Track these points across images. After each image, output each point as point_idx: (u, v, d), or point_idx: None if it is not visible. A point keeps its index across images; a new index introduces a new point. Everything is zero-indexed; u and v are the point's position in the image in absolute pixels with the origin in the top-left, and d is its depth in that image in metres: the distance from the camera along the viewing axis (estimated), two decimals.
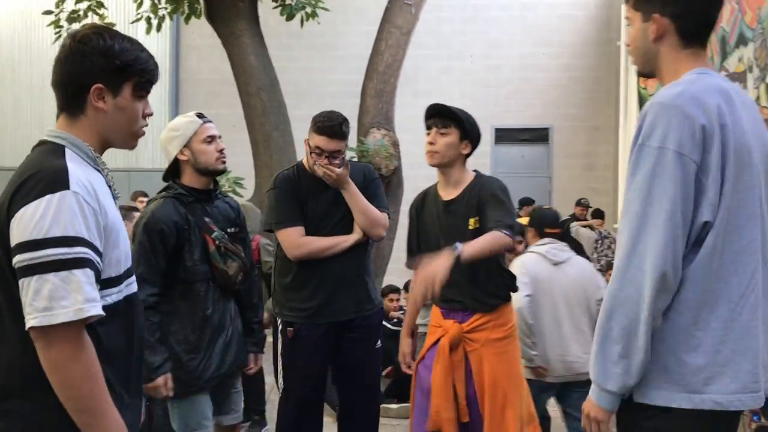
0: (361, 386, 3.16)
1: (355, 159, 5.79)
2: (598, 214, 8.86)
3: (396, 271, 7.25)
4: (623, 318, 1.60)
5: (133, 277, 1.67)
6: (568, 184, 10.20)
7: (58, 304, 1.39)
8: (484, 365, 2.86)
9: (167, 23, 6.95)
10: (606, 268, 6.24)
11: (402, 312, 5.93)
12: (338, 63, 10.32)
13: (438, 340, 2.93)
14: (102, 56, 1.55)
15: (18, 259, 1.41)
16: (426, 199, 3.05)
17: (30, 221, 1.41)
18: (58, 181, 1.45)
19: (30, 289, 1.39)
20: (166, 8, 6.58)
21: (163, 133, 2.80)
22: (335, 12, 8.41)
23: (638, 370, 1.60)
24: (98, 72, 1.55)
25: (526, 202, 8.74)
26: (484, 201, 2.81)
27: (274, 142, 6.44)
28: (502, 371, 2.86)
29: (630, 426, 1.69)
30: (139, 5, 6.54)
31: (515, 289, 3.03)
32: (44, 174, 1.46)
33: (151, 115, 1.68)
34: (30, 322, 1.39)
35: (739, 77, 5.97)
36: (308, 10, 6.49)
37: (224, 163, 2.83)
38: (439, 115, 2.90)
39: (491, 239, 2.69)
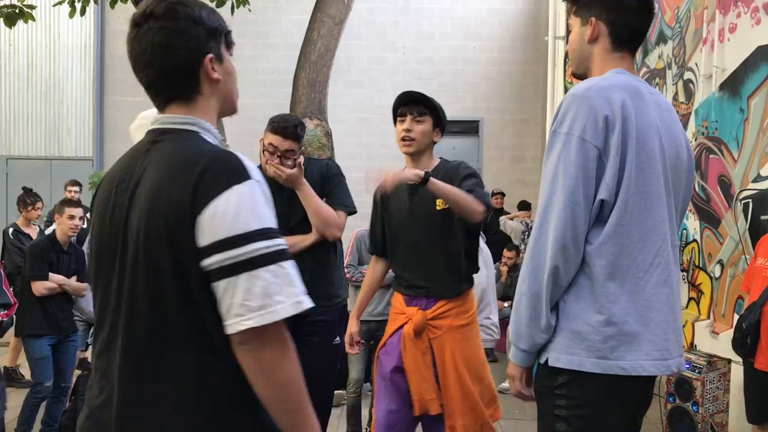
0: (314, 381, 3.12)
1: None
2: (524, 206, 9.06)
3: None
4: (532, 285, 1.79)
5: None
6: (497, 175, 10.40)
7: (274, 300, 1.27)
8: (446, 352, 2.88)
9: (91, 7, 6.72)
10: None
11: None
12: (270, 51, 10.20)
13: (400, 327, 2.94)
14: (198, 24, 1.41)
15: (217, 259, 1.26)
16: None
17: (225, 216, 1.26)
18: (239, 170, 1.31)
19: (239, 289, 1.26)
20: None
21: (133, 123, 2.81)
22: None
23: (545, 330, 1.79)
24: (204, 43, 1.41)
25: (524, 206, 8.99)
26: (458, 176, 2.84)
27: None
28: (466, 357, 2.90)
29: (545, 388, 1.83)
30: None
31: (476, 271, 3.04)
32: (221, 164, 1.31)
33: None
34: (244, 324, 1.27)
35: (658, 74, 6.23)
36: None
37: None
38: (415, 103, 2.93)
39: (463, 194, 2.71)
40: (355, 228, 4.62)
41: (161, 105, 1.45)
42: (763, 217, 4.43)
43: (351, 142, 9.78)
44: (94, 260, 1.44)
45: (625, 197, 1.75)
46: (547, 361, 1.81)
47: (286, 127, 3.01)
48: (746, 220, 4.63)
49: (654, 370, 1.78)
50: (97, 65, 10.44)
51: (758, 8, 4.54)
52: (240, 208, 1.28)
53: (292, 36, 8.77)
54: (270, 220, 1.33)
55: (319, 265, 3.09)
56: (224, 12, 6.49)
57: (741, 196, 4.70)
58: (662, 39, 6.11)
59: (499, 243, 7.87)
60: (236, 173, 1.31)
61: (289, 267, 1.32)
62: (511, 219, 8.69)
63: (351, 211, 3.16)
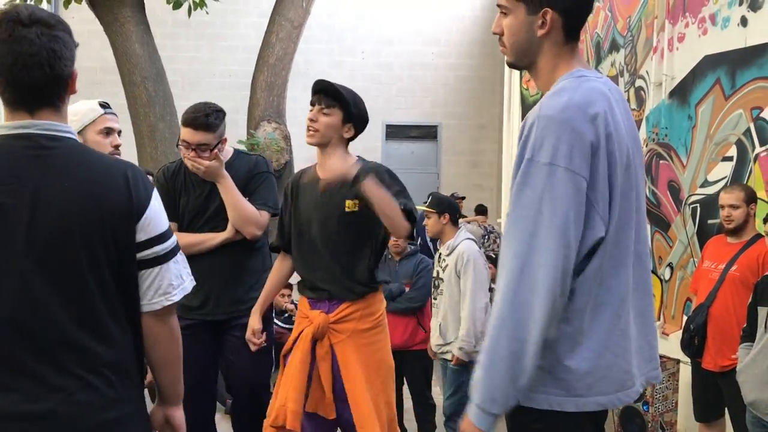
0: (244, 384, 3.07)
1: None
2: (482, 210, 9.15)
3: None
4: (513, 342, 1.53)
5: None
6: (454, 180, 10.49)
7: (183, 279, 1.68)
8: (349, 357, 2.72)
9: (44, 7, 6.59)
10: (491, 262, 6.48)
11: (294, 306, 5.93)
12: (228, 54, 10.12)
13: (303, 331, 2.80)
14: (72, 39, 1.57)
15: (155, 250, 1.60)
16: (302, 178, 2.90)
17: (156, 216, 1.61)
18: (147, 177, 1.67)
19: (168, 273, 1.63)
20: None
21: None
22: (225, 2, 8.25)
23: (522, 391, 1.57)
24: (74, 57, 1.57)
25: (481, 210, 9.05)
26: (384, 181, 2.65)
27: (160, 134, 6.25)
28: (372, 362, 2.75)
29: (520, 428, 1.69)
30: None
31: (382, 282, 2.90)
32: (139, 172, 1.62)
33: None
34: (172, 298, 1.64)
35: (611, 81, 6.37)
36: None
37: None
38: (325, 93, 2.75)
39: (397, 208, 2.59)
40: None
41: (31, 108, 1.54)
42: (710, 221, 4.56)
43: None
44: None
45: (615, 226, 1.59)
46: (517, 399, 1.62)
47: (196, 118, 2.85)
48: (694, 224, 4.76)
49: (627, 399, 1.69)
50: None
51: (705, 18, 4.68)
52: (161, 210, 1.65)
53: (250, 39, 8.71)
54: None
55: (235, 266, 3.00)
56: (181, 14, 6.44)
57: (689, 201, 4.84)
58: (614, 47, 6.25)
59: None
60: (149, 181, 1.65)
61: (181, 259, 1.70)
62: (469, 222, 8.77)
63: (274, 212, 3.02)
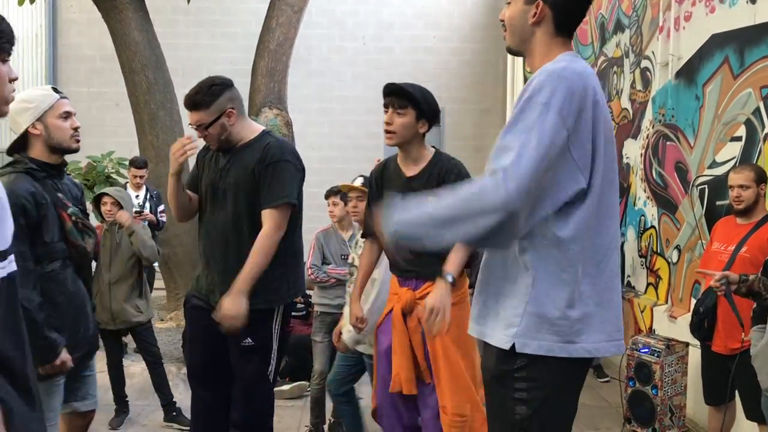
0: (233, 378, 3.03)
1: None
2: None
3: None
4: (456, 211, 1.73)
5: (12, 256, 1.56)
6: None
7: None
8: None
9: None
10: None
11: (302, 302, 5.90)
12: (228, 40, 10.04)
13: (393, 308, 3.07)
14: None
15: None
16: (386, 171, 3.09)
17: None
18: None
19: None
20: None
21: (13, 104, 2.63)
22: None
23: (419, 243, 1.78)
24: None
25: None
26: (447, 184, 2.80)
27: (161, 121, 6.21)
28: (454, 336, 2.90)
29: (503, 372, 1.84)
30: None
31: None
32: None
33: (16, 79, 1.61)
34: None
35: (616, 62, 6.29)
36: None
37: (78, 141, 2.68)
38: (396, 95, 2.89)
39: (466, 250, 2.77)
40: (312, 229, 4.60)
41: None
42: (718, 203, 4.51)
43: (312, 132, 9.70)
44: None
45: (600, 183, 1.78)
46: (513, 346, 1.80)
47: (187, 96, 2.85)
48: (702, 206, 4.71)
49: (614, 350, 1.87)
50: (49, 55, 10.16)
51: None
52: None
53: (250, 25, 8.64)
54: None
55: (240, 263, 2.84)
56: (180, 1, 6.36)
57: (697, 183, 4.78)
58: (619, 28, 6.17)
59: None
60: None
61: None
62: None
63: (291, 202, 2.86)
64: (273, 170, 2.83)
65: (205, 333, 2.98)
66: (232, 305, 2.74)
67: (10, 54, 1.55)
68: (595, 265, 1.82)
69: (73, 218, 2.64)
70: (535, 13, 1.88)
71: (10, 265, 1.52)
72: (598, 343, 1.82)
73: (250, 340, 2.92)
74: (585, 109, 1.75)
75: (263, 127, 3.04)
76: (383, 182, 3.08)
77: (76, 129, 2.65)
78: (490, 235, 1.71)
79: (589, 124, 1.76)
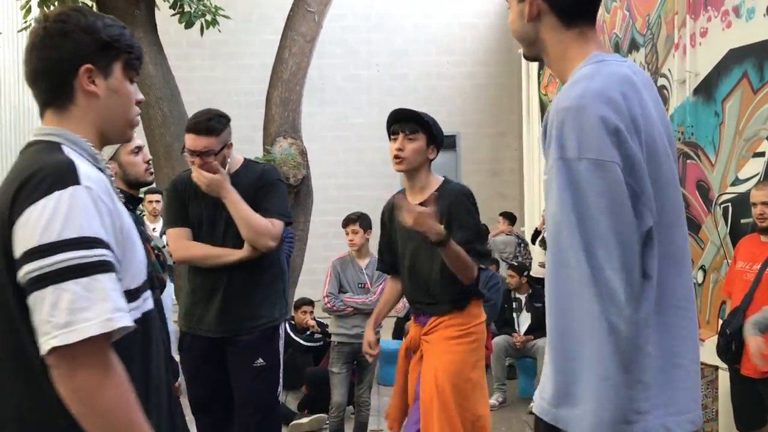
0: (246, 403, 2.99)
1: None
2: (509, 216, 8.79)
3: (309, 283, 7.14)
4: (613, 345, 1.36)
5: (149, 291, 1.43)
6: (475, 189, 10.16)
7: (81, 317, 1.14)
8: (432, 361, 2.86)
9: None
10: (514, 269, 6.33)
11: (316, 322, 5.84)
12: (243, 72, 10.12)
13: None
14: (86, 33, 1.35)
15: (26, 271, 1.16)
16: (395, 204, 3.00)
17: (37, 224, 1.16)
18: (67, 175, 1.22)
19: (45, 304, 1.14)
20: None
21: None
22: (238, 20, 8.25)
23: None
24: (85, 51, 1.34)
25: (510, 218, 8.74)
26: (458, 215, 2.82)
27: (176, 154, 6.21)
28: (447, 370, 2.81)
29: None
30: (27, 12, 6.19)
31: (479, 296, 3.01)
32: (48, 170, 1.22)
33: (142, 102, 1.47)
34: (49, 343, 1.14)
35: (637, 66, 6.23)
36: (208, 17, 6.31)
37: (152, 174, 2.72)
38: (407, 120, 2.85)
39: (469, 262, 2.77)
40: (329, 257, 4.57)
41: (41, 110, 1.39)
42: (743, 221, 4.40)
43: (328, 160, 9.71)
44: None
45: (663, 218, 1.45)
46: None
47: (198, 122, 2.80)
48: (726, 225, 4.59)
49: (698, 421, 1.51)
50: None
51: (728, 11, 4.54)
52: (54, 215, 1.17)
53: (264, 56, 8.68)
54: (95, 229, 1.21)
55: (245, 282, 2.91)
56: (195, 34, 6.42)
57: (720, 201, 4.68)
58: (634, 47, 6.11)
59: None
60: (60, 179, 1.21)
61: (107, 280, 1.19)
62: (496, 235, 8.47)
63: (287, 220, 2.99)
64: (272, 188, 2.94)
65: (204, 363, 2.98)
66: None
67: (138, 73, 1.45)
68: (678, 314, 1.47)
69: (156, 252, 2.67)
70: (527, 9, 1.56)
71: (144, 304, 1.37)
72: (681, 416, 1.45)
73: (262, 360, 2.94)
74: (623, 131, 1.40)
75: (243, 157, 3.09)
76: (392, 216, 3.00)
77: (148, 162, 2.69)
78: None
79: (637, 146, 1.41)
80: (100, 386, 1.17)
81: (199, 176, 2.78)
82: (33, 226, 1.17)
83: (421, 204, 2.77)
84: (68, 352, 1.15)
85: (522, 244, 8.20)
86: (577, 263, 1.38)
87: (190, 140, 2.81)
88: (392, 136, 2.88)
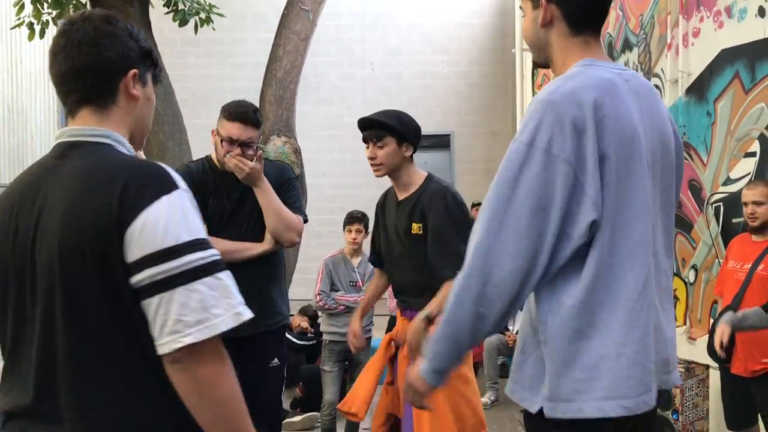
0: (253, 405, 2.98)
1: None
2: None
3: (302, 282, 7.14)
4: (474, 314, 1.55)
5: None
6: (469, 189, 10.35)
7: (212, 314, 1.21)
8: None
9: (53, 29, 6.59)
10: None
11: (311, 332, 5.84)
12: (237, 70, 10.11)
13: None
14: (133, 39, 1.38)
15: (149, 274, 1.20)
16: (387, 197, 3.09)
17: (155, 229, 1.20)
18: (166, 180, 1.26)
19: (173, 304, 1.20)
20: (50, 13, 6.23)
21: None
22: (232, 19, 8.24)
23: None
24: (133, 56, 1.37)
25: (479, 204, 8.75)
26: (434, 229, 2.79)
27: (170, 152, 6.21)
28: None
29: None
30: (20, 9, 6.17)
31: None
32: (146, 174, 1.25)
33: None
34: (181, 341, 1.20)
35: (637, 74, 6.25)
36: (202, 15, 6.30)
37: None
38: (372, 128, 2.87)
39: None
40: (323, 256, 4.57)
41: (73, 108, 1.36)
42: (734, 220, 4.42)
43: (322, 159, 9.70)
44: None
45: (609, 213, 1.53)
46: (541, 411, 1.59)
47: (246, 112, 2.77)
48: (718, 224, 4.61)
49: (652, 402, 1.62)
50: None
51: (720, 12, 4.56)
52: (170, 220, 1.22)
53: (258, 55, 8.67)
54: (201, 231, 1.28)
55: (265, 279, 2.90)
56: (189, 32, 6.41)
57: (712, 200, 4.70)
58: (627, 46, 6.13)
59: None
60: (163, 183, 1.25)
61: (226, 277, 1.27)
62: None
63: (305, 219, 3.01)
64: (293, 186, 3.01)
65: None
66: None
67: (158, 80, 1.47)
68: (629, 306, 1.56)
69: None
70: (544, 16, 1.67)
71: None
72: (638, 397, 1.56)
73: (277, 360, 2.96)
74: (585, 132, 1.50)
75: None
76: (385, 209, 3.07)
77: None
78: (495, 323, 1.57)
79: (593, 148, 1.50)
80: (219, 377, 1.25)
81: (241, 164, 2.73)
82: (151, 231, 1.21)
83: (426, 202, 2.85)
84: (195, 348, 1.21)
85: None
86: (483, 229, 1.54)
87: (237, 129, 2.75)
88: (365, 145, 2.91)
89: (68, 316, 1.24)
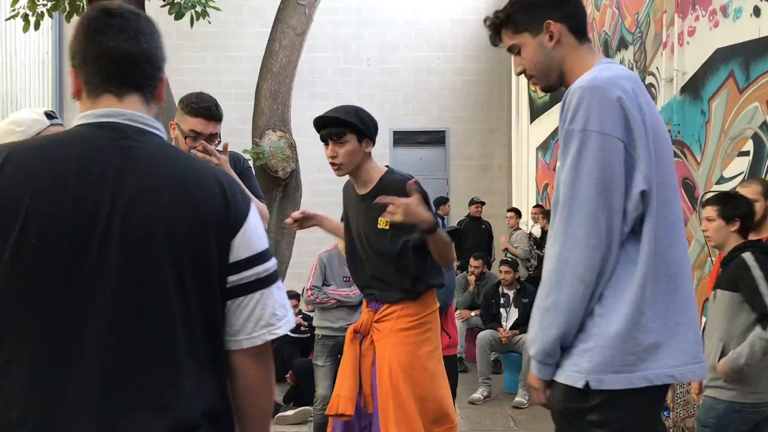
0: None
1: (250, 161, 5.65)
2: (518, 212, 8.80)
3: (297, 276, 7.13)
4: (559, 299, 1.64)
5: None
6: (464, 185, 10.38)
7: (288, 311, 1.38)
8: (384, 356, 2.80)
9: (48, 22, 6.57)
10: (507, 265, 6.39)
11: (302, 316, 5.85)
12: (233, 64, 10.10)
13: None
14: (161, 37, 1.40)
15: (256, 272, 1.32)
16: (346, 192, 3.03)
17: (256, 232, 1.34)
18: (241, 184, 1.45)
19: (271, 299, 1.34)
20: (45, 4, 6.20)
21: (2, 123, 2.48)
22: (229, 13, 8.22)
23: (568, 343, 1.67)
24: (161, 55, 1.37)
25: (441, 201, 8.76)
26: (405, 228, 2.72)
27: None
28: (403, 364, 2.76)
29: (573, 410, 1.67)
30: (15, 0, 6.14)
31: (439, 285, 2.92)
32: (234, 181, 1.39)
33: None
34: (276, 332, 1.34)
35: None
36: (198, 9, 6.27)
37: None
38: (331, 125, 2.76)
39: (449, 247, 2.77)
40: (317, 251, 4.57)
41: (119, 91, 1.32)
42: None
43: (317, 154, 9.59)
44: (30, 264, 1.19)
45: (659, 193, 1.65)
46: (587, 385, 1.63)
47: (209, 107, 2.75)
48: None
49: (701, 372, 1.71)
50: (56, 81, 10.24)
51: (716, 11, 4.57)
52: (261, 225, 1.37)
53: (255, 49, 8.67)
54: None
55: None
56: (185, 26, 6.39)
57: (705, 199, 4.71)
58: (623, 44, 6.14)
59: (470, 251, 7.82)
60: (245, 192, 1.39)
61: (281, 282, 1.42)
62: (516, 229, 8.44)
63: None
64: (251, 173, 3.03)
65: None
66: None
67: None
68: (669, 281, 1.66)
69: None
70: (551, 36, 1.78)
71: None
72: (683, 366, 1.65)
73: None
74: (631, 111, 1.62)
75: None
76: (349, 198, 3.00)
77: None
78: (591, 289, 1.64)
79: (639, 126, 1.63)
80: (272, 371, 1.40)
81: (210, 156, 2.71)
82: (255, 234, 1.34)
83: (390, 194, 2.65)
84: (266, 346, 1.35)
85: (532, 238, 8.21)
86: (558, 223, 1.65)
87: (201, 125, 2.75)
88: (324, 144, 2.81)
89: (156, 304, 1.23)
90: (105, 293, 1.20)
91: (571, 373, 1.65)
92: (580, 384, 1.63)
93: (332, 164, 2.77)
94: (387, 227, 2.76)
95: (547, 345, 1.66)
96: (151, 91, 1.35)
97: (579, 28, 1.80)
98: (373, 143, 2.84)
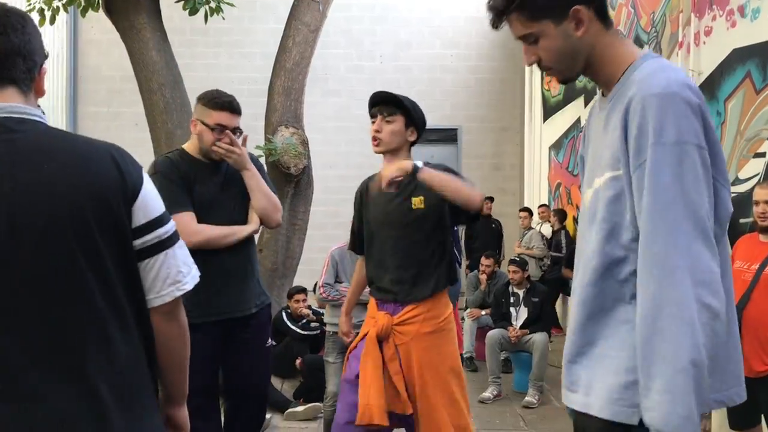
0: (248, 385, 3.01)
1: (262, 157, 5.66)
2: (530, 212, 8.81)
3: (307, 273, 7.15)
4: (685, 353, 1.38)
5: None
6: (476, 183, 10.35)
7: (191, 267, 1.51)
8: (412, 359, 2.80)
9: (63, 17, 6.60)
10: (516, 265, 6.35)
11: (311, 311, 5.86)
12: (246, 60, 10.11)
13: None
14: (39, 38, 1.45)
15: (157, 234, 1.44)
16: (370, 185, 3.03)
17: (153, 198, 1.45)
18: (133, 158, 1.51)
19: (175, 259, 1.46)
20: None
21: None
22: (242, 9, 8.23)
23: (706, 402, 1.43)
24: (43, 54, 1.46)
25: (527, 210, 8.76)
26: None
27: (178, 140, 6.20)
28: (430, 367, 2.79)
29: None
30: None
31: (452, 282, 2.94)
32: (124, 152, 1.45)
33: None
34: (183, 288, 1.47)
35: None
36: (212, 4, 6.29)
37: None
38: (385, 103, 2.86)
39: (459, 181, 2.71)
40: (328, 248, 4.57)
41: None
42: (742, 221, 4.40)
43: (329, 150, 9.70)
44: None
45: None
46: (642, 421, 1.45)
47: (231, 102, 2.88)
48: None
49: (744, 394, 1.64)
50: (70, 76, 10.29)
51: (733, 11, 4.53)
52: (155, 191, 1.48)
53: (268, 45, 8.69)
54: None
55: (251, 260, 2.97)
56: (199, 22, 6.40)
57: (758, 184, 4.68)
58: (638, 44, 6.10)
59: (479, 250, 7.80)
60: (135, 162, 1.47)
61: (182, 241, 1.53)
62: (528, 229, 8.45)
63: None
64: (263, 170, 3.07)
65: (214, 349, 2.88)
66: None
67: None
68: (731, 298, 1.55)
69: None
70: (579, 23, 1.55)
71: None
72: (732, 389, 1.58)
73: (272, 341, 3.08)
74: (706, 120, 1.47)
75: None
76: (367, 197, 3.01)
77: None
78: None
79: (714, 135, 1.49)
80: (186, 323, 1.54)
81: (230, 149, 2.84)
82: (153, 199, 1.45)
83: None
84: (179, 298, 1.48)
85: (544, 238, 8.19)
86: (669, 244, 1.40)
87: (227, 118, 2.85)
88: (372, 119, 2.90)
89: (70, 281, 1.32)
90: (29, 281, 1.30)
91: (613, 408, 1.53)
92: (620, 418, 1.51)
93: (374, 138, 2.86)
94: (422, 206, 2.80)
95: (690, 411, 1.40)
96: (28, 84, 1.41)
97: (605, 11, 1.59)
98: (418, 136, 2.92)
